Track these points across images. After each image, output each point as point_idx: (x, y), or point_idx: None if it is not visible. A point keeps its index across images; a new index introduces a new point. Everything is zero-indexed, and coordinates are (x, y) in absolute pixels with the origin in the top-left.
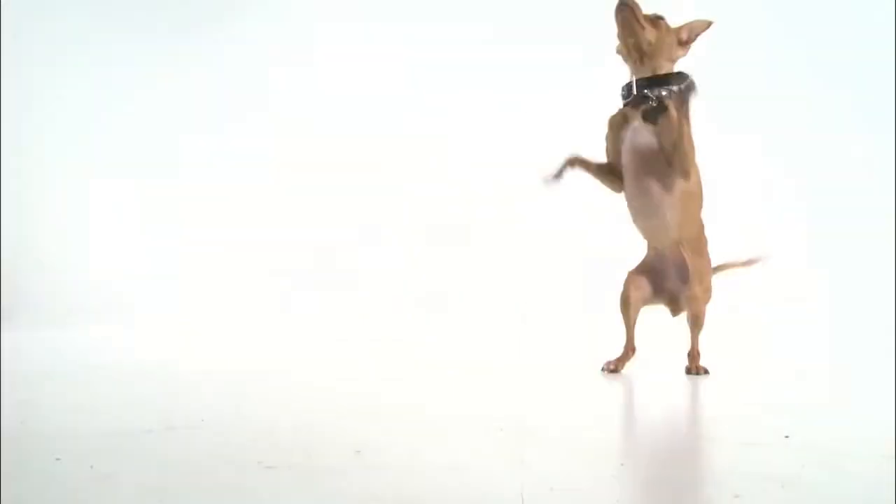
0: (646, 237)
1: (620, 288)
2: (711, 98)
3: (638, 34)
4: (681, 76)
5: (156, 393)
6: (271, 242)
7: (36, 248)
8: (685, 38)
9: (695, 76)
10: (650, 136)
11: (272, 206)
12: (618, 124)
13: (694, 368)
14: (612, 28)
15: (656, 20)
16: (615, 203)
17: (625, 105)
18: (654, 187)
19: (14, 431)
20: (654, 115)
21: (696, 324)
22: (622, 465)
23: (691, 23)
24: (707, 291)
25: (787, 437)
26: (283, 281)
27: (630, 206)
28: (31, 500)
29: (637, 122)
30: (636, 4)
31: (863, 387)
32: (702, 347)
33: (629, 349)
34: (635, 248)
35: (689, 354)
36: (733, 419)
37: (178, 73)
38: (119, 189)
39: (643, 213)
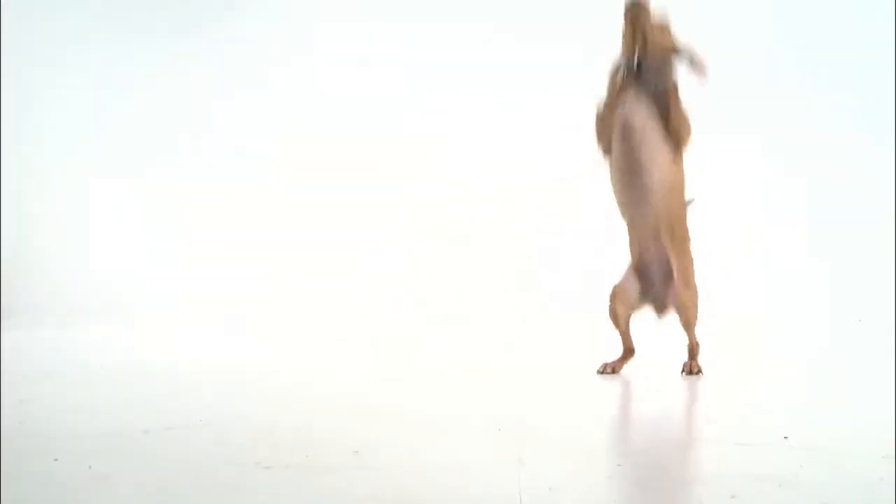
0: (631, 227)
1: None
2: (711, 98)
3: (647, 33)
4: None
5: (155, 393)
6: (271, 242)
7: (36, 248)
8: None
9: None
10: (645, 111)
11: (272, 206)
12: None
13: (689, 367)
14: (611, 28)
15: (664, 27)
16: (614, 203)
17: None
18: (644, 168)
19: (13, 431)
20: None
21: (685, 318)
22: (619, 465)
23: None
24: (692, 288)
25: (785, 437)
26: (284, 280)
27: (618, 198)
28: (30, 500)
29: (630, 99)
30: (648, 2)
31: (862, 387)
32: (701, 347)
33: (627, 351)
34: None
35: (688, 349)
36: (731, 419)
37: (178, 73)
38: (119, 189)
39: (631, 202)
